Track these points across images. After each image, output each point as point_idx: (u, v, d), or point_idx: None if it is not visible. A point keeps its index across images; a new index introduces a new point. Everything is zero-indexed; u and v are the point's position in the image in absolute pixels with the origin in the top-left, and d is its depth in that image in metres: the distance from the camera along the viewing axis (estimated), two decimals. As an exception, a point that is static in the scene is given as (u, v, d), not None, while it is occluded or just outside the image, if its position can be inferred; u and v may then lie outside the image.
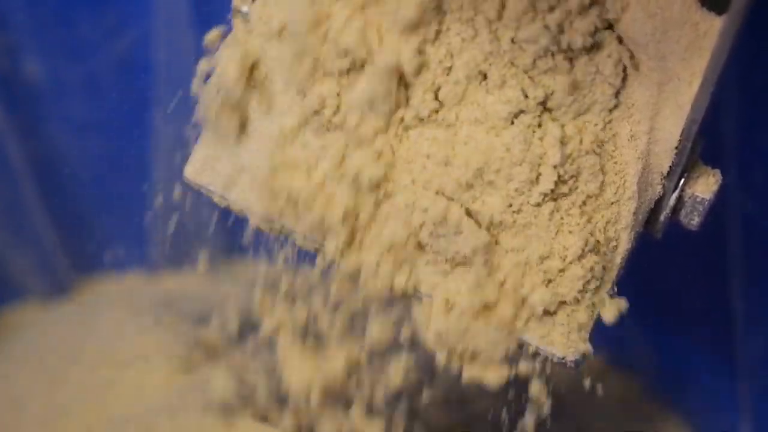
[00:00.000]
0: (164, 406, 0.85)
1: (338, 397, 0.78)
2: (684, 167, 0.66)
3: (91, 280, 1.10)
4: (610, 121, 0.66)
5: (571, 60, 0.65)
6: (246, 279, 1.08)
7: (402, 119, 0.67)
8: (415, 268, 0.68)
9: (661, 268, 0.94)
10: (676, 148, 0.65)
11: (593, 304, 0.67)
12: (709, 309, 0.98)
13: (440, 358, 0.68)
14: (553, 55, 0.65)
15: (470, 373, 0.68)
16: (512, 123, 0.65)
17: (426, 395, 0.83)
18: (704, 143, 0.68)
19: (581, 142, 0.66)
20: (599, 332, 0.68)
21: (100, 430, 0.88)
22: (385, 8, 0.65)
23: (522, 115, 0.65)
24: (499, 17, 0.64)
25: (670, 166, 0.66)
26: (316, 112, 0.67)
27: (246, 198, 0.70)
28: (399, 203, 0.67)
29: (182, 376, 0.88)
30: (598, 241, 0.67)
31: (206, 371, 0.88)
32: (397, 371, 0.76)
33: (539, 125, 0.66)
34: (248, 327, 0.96)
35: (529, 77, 0.65)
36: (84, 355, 0.93)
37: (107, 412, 0.88)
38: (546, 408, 0.73)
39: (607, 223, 0.67)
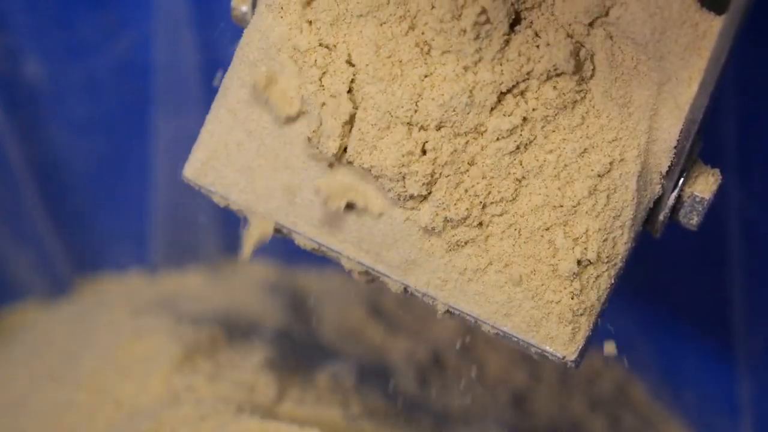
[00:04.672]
0: (164, 406, 0.85)
1: None
2: (683, 167, 0.66)
3: (91, 280, 1.10)
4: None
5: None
6: (246, 279, 1.08)
7: None
8: None
9: (661, 268, 0.94)
10: (675, 147, 0.65)
11: (593, 304, 0.67)
12: (709, 309, 0.98)
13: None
14: None
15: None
16: None
17: None
18: (704, 143, 0.68)
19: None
20: (599, 332, 0.68)
21: (100, 429, 0.88)
22: None
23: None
24: None
25: (669, 166, 0.66)
26: None
27: (246, 198, 0.70)
28: None
29: (182, 375, 0.88)
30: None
31: (206, 371, 0.88)
32: None
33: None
34: (248, 327, 0.96)
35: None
36: (84, 356, 0.93)
37: (107, 412, 0.88)
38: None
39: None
